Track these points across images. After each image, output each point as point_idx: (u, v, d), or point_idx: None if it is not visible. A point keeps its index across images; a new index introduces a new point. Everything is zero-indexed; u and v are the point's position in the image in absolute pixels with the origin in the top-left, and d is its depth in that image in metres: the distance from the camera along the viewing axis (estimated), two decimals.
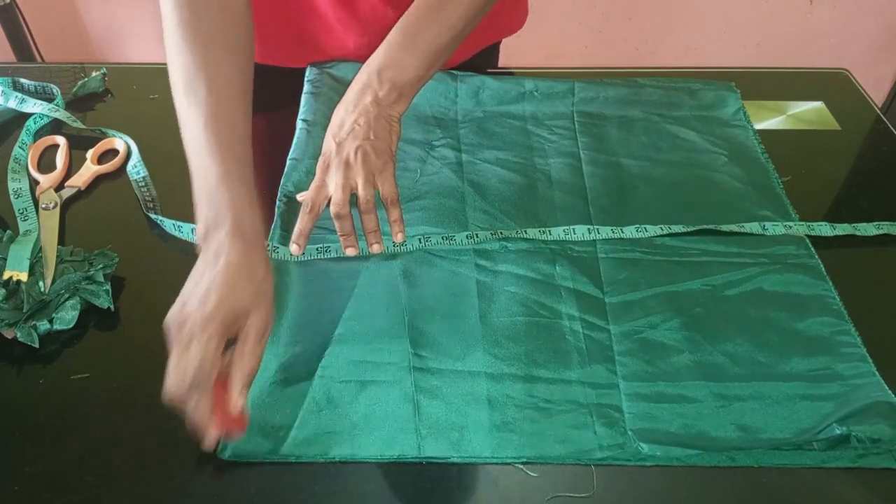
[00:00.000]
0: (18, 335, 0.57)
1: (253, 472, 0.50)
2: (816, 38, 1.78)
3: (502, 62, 0.96)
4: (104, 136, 0.77)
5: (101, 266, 0.61)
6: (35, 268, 0.60)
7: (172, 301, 0.61)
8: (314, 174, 0.63)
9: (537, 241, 0.66)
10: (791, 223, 0.68)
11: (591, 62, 1.82)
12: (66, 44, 1.72)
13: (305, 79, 0.82)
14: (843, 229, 0.68)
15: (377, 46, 0.67)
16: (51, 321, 0.58)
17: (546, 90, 0.83)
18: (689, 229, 0.67)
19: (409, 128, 0.74)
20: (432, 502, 0.50)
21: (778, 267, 0.64)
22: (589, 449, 0.51)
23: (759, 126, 0.82)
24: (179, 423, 0.52)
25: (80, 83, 0.83)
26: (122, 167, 0.74)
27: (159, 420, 0.53)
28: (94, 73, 0.84)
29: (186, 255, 0.65)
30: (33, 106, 0.79)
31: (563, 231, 0.67)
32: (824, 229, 0.68)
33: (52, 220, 0.66)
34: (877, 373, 0.56)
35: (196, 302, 0.49)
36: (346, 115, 0.66)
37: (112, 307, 0.59)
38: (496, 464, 0.51)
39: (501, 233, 0.66)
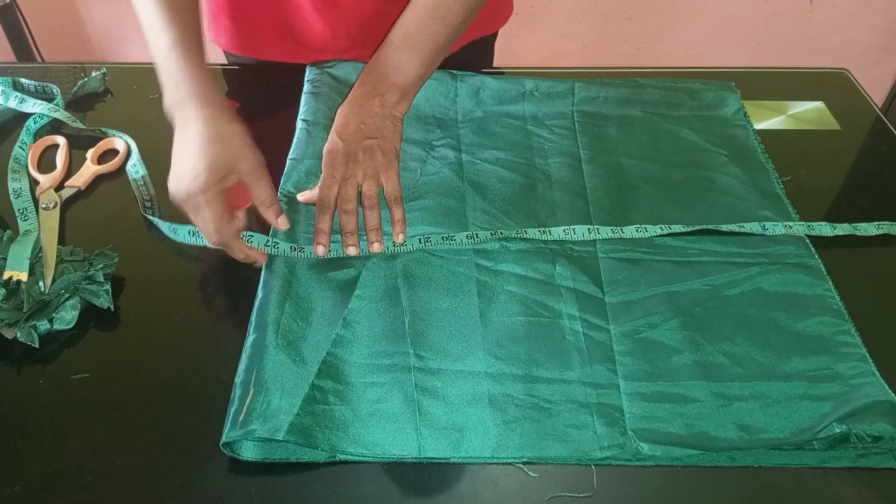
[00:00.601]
0: (18, 335, 0.57)
1: (253, 472, 0.50)
2: (816, 38, 1.78)
3: (502, 62, 0.96)
4: (104, 135, 0.77)
5: (101, 266, 0.61)
6: (35, 268, 0.60)
7: (172, 301, 0.62)
8: (314, 174, 0.63)
9: (537, 240, 0.66)
10: (791, 223, 0.68)
11: (591, 62, 1.82)
12: (66, 44, 1.72)
13: (305, 79, 0.82)
14: (843, 229, 0.68)
15: (357, 36, 0.68)
16: (51, 321, 0.58)
17: (546, 90, 0.83)
18: (689, 229, 0.67)
19: (410, 127, 0.74)
20: (432, 502, 0.50)
21: (778, 267, 0.64)
22: (589, 449, 0.51)
23: (759, 126, 0.82)
24: (179, 422, 0.53)
25: (80, 83, 0.83)
26: (122, 167, 0.74)
27: (159, 420, 0.53)
28: (94, 73, 0.84)
29: (186, 255, 0.66)
30: (33, 106, 0.79)
31: (563, 231, 0.67)
32: (824, 229, 0.68)
33: (52, 220, 0.66)
34: (877, 373, 0.56)
35: (188, 174, 0.58)
36: (352, 114, 0.67)
37: (112, 307, 0.59)
38: (496, 464, 0.51)
39: (501, 233, 0.66)
